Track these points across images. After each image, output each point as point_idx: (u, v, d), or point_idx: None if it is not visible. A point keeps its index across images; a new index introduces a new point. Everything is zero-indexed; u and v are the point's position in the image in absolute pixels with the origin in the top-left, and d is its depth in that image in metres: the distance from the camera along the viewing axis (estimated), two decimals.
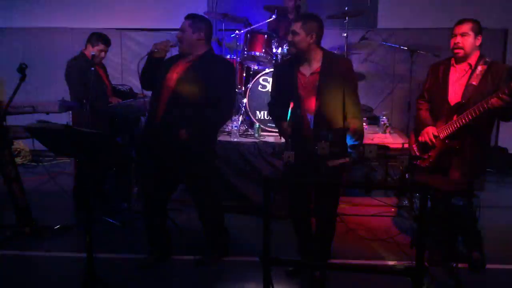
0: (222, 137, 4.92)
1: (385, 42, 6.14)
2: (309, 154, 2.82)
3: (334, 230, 3.41)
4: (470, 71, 3.37)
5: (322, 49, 3.23)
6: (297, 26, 3.13)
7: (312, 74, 3.18)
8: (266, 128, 5.07)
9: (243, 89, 5.47)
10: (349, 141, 3.17)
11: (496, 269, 3.55)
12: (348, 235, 4.13)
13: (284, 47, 5.22)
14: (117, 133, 4.65)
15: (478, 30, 3.36)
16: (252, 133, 5.04)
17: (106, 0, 6.94)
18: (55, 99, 4.06)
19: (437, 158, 3.47)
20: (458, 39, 3.36)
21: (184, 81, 3.29)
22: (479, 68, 3.34)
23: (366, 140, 4.81)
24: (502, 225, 4.36)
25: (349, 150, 3.14)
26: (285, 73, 3.30)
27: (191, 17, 3.37)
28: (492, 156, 5.96)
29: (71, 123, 4.48)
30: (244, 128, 5.18)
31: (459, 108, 3.32)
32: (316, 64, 3.18)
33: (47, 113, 3.92)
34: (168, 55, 3.45)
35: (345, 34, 5.84)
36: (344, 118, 3.17)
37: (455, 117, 3.33)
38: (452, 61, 3.47)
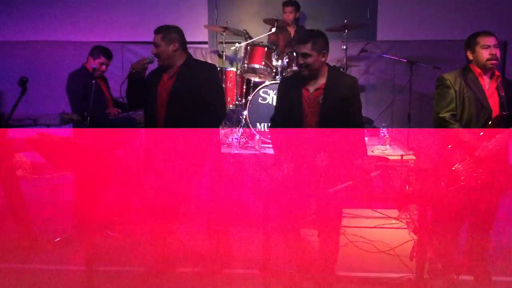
0: (222, 149, 4.91)
1: (385, 54, 6.17)
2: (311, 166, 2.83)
3: (337, 244, 3.39)
4: (496, 82, 3.39)
5: (327, 64, 3.24)
6: (307, 48, 3.07)
7: (316, 89, 3.18)
8: (266, 140, 5.08)
9: (243, 101, 5.49)
10: None
11: (503, 281, 3.53)
12: (348, 247, 4.11)
13: (284, 59, 5.25)
14: (117, 146, 4.65)
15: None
16: (253, 145, 5.05)
17: (107, 14, 7.00)
18: (55, 112, 4.08)
19: (489, 173, 3.33)
20: (494, 50, 3.34)
21: (175, 95, 3.31)
22: (499, 80, 3.39)
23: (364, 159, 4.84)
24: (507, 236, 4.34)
25: None
26: (290, 88, 3.29)
27: (161, 30, 3.36)
28: None
29: (71, 136, 4.48)
30: (244, 140, 5.19)
31: (501, 120, 3.29)
32: (322, 80, 3.18)
33: (48, 126, 3.93)
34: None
35: (344, 47, 5.87)
36: None
37: (497, 130, 3.28)
38: (478, 72, 3.41)
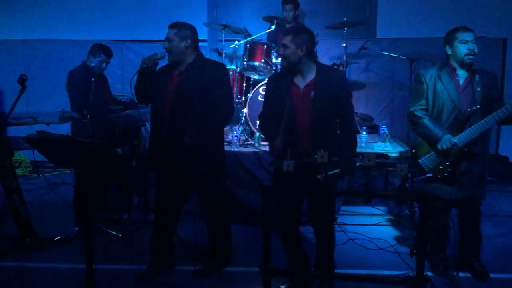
0: None
1: (385, 51, 6.16)
2: (304, 164, 2.82)
3: (334, 237, 3.44)
4: (471, 77, 3.42)
5: (315, 62, 3.25)
6: (287, 40, 3.12)
7: (306, 86, 3.18)
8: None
9: (243, 99, 5.49)
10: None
11: (501, 278, 3.54)
12: (348, 245, 4.11)
13: None
14: (118, 143, 4.66)
15: None
16: (253, 142, 5.05)
17: (107, 12, 6.99)
18: (55, 110, 4.08)
19: (455, 167, 3.43)
20: (472, 45, 3.37)
21: (182, 91, 3.32)
22: (476, 75, 3.41)
23: (366, 149, 4.84)
24: (502, 234, 4.35)
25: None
26: (278, 85, 3.27)
27: (175, 26, 3.37)
28: (492, 164, 5.96)
29: (71, 134, 4.49)
30: (245, 137, 5.19)
31: (471, 115, 3.35)
32: (311, 76, 3.19)
33: (48, 124, 3.93)
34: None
35: (344, 44, 5.86)
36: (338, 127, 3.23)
37: (467, 125, 3.36)
38: (452, 67, 3.47)
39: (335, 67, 5.85)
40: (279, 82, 3.28)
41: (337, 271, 3.55)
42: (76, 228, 4.34)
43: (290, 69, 3.21)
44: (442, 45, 6.55)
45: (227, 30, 5.74)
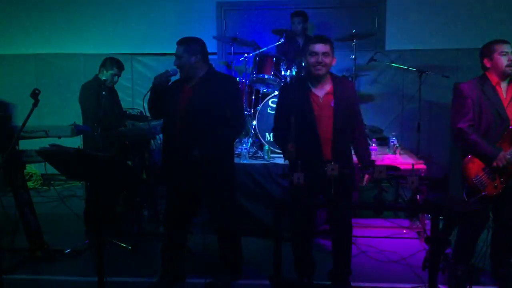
0: None
1: (394, 63, 6.16)
2: (322, 175, 2.83)
3: (350, 247, 3.49)
4: None
5: (329, 72, 3.35)
6: (327, 48, 3.23)
7: (326, 94, 3.28)
8: (276, 150, 5.07)
9: (252, 111, 5.50)
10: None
11: None
12: (359, 257, 4.09)
13: (293, 69, 5.27)
14: (128, 156, 4.69)
15: None
16: (262, 155, 5.04)
17: (117, 26, 7.06)
18: (67, 123, 4.11)
19: (508, 183, 3.35)
20: (511, 57, 3.33)
21: (193, 106, 3.33)
22: None
23: (376, 161, 4.82)
24: None
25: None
26: (295, 95, 3.32)
27: (184, 42, 3.39)
28: None
29: (82, 147, 4.52)
30: (254, 150, 5.19)
31: None
32: (328, 86, 3.30)
33: (59, 137, 3.96)
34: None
35: (353, 56, 5.88)
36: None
37: None
38: (496, 80, 3.40)
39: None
40: (295, 92, 3.34)
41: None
42: (87, 241, 4.36)
43: (309, 78, 3.32)
44: (451, 57, 6.58)
45: (237, 43, 5.78)
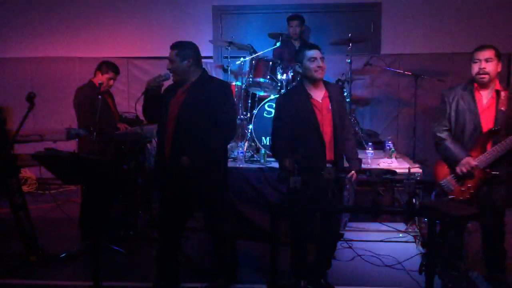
0: (228, 163, 4.92)
1: (389, 67, 6.18)
2: (319, 179, 2.86)
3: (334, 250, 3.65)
4: (496, 97, 3.37)
5: None
6: (321, 54, 3.40)
7: (323, 98, 3.41)
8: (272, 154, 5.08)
9: (249, 115, 5.50)
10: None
11: None
12: (355, 261, 4.09)
13: (289, 73, 5.27)
14: (123, 160, 4.67)
15: (499, 56, 3.39)
16: (258, 159, 5.04)
17: (112, 30, 7.07)
18: (62, 127, 4.10)
19: (477, 189, 3.38)
20: (484, 64, 3.34)
21: (185, 110, 3.32)
22: (502, 93, 3.35)
23: (372, 165, 4.83)
24: None
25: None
26: (296, 102, 3.39)
27: (176, 46, 3.39)
28: None
29: (77, 151, 4.50)
30: (250, 154, 5.19)
31: (493, 135, 3.31)
32: (322, 90, 3.44)
33: (54, 141, 3.95)
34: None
35: (348, 60, 5.90)
36: None
37: (489, 145, 3.31)
38: (475, 86, 3.43)
39: (340, 83, 5.88)
40: (296, 100, 3.41)
41: (344, 287, 3.54)
42: (82, 245, 4.33)
43: (307, 84, 3.43)
44: (447, 61, 6.61)
45: (233, 47, 5.78)
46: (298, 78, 5.24)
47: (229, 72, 5.82)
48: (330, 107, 3.38)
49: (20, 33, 7.15)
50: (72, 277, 3.85)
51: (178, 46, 3.38)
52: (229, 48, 5.75)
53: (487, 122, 3.35)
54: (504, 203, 3.42)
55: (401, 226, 4.83)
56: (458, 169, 3.38)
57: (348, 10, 6.91)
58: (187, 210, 3.57)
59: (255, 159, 5.10)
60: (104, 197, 4.44)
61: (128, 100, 6.84)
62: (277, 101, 3.61)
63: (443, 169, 3.52)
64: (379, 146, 5.57)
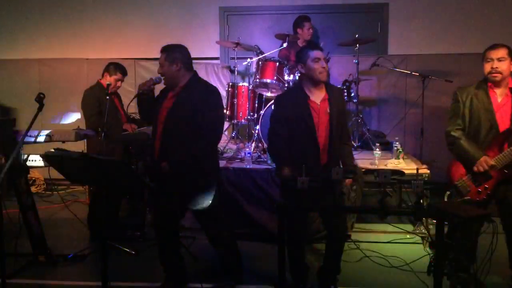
0: (235, 164, 4.94)
1: (396, 68, 6.17)
2: (318, 179, 2.85)
3: (342, 249, 3.54)
4: (510, 94, 3.34)
5: None
6: (324, 54, 3.38)
7: (322, 101, 3.34)
8: None
9: (255, 116, 5.50)
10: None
11: None
12: (363, 262, 4.08)
13: (296, 74, 5.27)
14: (131, 161, 4.68)
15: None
16: (265, 159, 5.04)
17: (119, 31, 7.09)
18: (70, 128, 4.12)
19: (494, 190, 3.33)
20: (496, 63, 3.31)
21: (172, 114, 3.33)
22: None
23: (379, 166, 4.82)
24: None
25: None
26: (294, 102, 3.35)
27: (165, 50, 3.38)
28: None
29: (87, 151, 4.53)
30: (257, 154, 5.19)
31: (510, 134, 3.26)
32: (322, 92, 3.38)
33: (63, 142, 3.97)
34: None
35: (356, 61, 5.89)
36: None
37: (506, 145, 3.26)
38: (489, 85, 3.39)
39: (347, 84, 5.87)
40: (294, 100, 3.36)
41: None
42: (90, 246, 4.35)
43: (307, 85, 3.36)
44: (454, 62, 6.58)
45: (239, 48, 5.79)
46: (297, 77, 5.26)
47: (236, 73, 5.83)
48: (328, 110, 3.31)
49: (28, 34, 7.19)
50: (80, 277, 3.88)
51: (166, 50, 3.38)
52: (236, 49, 5.76)
53: (503, 120, 3.31)
54: None
55: (409, 227, 4.82)
56: (475, 168, 3.31)
57: (355, 11, 6.90)
58: (176, 210, 3.52)
59: (262, 159, 5.10)
60: (112, 198, 4.46)
61: (135, 100, 6.85)
62: (275, 99, 3.61)
63: (459, 169, 3.44)
64: (386, 147, 5.56)
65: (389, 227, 4.79)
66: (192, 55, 3.45)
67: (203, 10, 7.00)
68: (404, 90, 6.58)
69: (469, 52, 6.31)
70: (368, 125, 6.36)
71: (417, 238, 4.61)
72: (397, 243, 4.52)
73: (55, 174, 3.13)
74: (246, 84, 5.65)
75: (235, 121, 5.56)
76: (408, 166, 4.85)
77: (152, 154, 3.43)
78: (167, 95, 3.43)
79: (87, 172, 2.84)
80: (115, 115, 4.62)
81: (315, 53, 3.30)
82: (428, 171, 4.60)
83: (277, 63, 5.35)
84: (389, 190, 5.01)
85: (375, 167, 4.87)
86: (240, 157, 5.14)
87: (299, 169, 2.84)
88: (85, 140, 4.61)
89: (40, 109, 3.16)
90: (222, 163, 4.95)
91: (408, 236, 4.67)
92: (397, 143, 5.20)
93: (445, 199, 3.47)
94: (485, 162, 3.27)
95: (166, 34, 6.93)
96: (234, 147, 5.72)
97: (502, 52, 3.32)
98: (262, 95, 5.65)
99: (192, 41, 6.76)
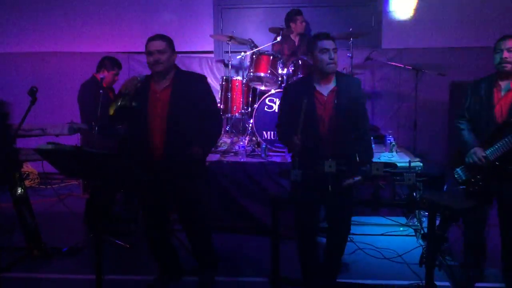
0: (229, 158, 4.95)
1: (390, 61, 6.18)
2: (319, 172, 2.83)
3: (345, 243, 3.46)
4: None
5: None
6: (335, 44, 3.23)
7: (330, 92, 3.23)
8: (273, 148, 5.09)
9: (249, 110, 5.51)
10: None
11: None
12: (356, 254, 4.11)
13: (289, 68, 5.28)
14: (125, 154, 4.68)
15: None
16: (259, 153, 5.06)
17: (113, 25, 7.05)
18: (63, 122, 4.11)
19: (486, 181, 3.35)
20: (506, 54, 3.30)
21: (174, 108, 3.26)
22: None
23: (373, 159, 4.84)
24: None
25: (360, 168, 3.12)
26: (300, 93, 3.24)
27: (165, 38, 3.34)
28: None
29: (80, 145, 4.52)
30: (251, 148, 5.21)
31: (507, 127, 3.26)
32: (331, 84, 3.25)
33: (57, 136, 3.96)
34: None
35: (349, 55, 5.90)
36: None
37: (501, 137, 3.26)
38: (497, 78, 3.40)
39: None
40: (300, 90, 3.28)
41: (345, 280, 3.55)
42: (84, 239, 4.36)
43: (315, 76, 3.27)
44: (448, 55, 6.59)
45: (233, 42, 5.79)
46: (291, 70, 5.21)
47: (229, 67, 5.83)
48: (334, 102, 3.19)
49: (22, 27, 7.14)
50: (75, 271, 3.88)
51: (166, 38, 3.34)
52: (229, 42, 5.75)
53: (501, 114, 3.33)
54: None
55: (402, 219, 4.85)
56: (466, 159, 3.37)
57: (348, 4, 6.89)
58: (166, 203, 3.51)
59: (256, 153, 5.11)
60: (106, 191, 4.46)
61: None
62: (283, 89, 3.58)
63: (459, 158, 3.49)
64: (380, 140, 5.58)
65: (382, 220, 4.81)
66: (186, 49, 3.46)
67: (197, 3, 6.96)
68: (397, 84, 6.60)
69: (462, 46, 6.33)
70: None
71: (410, 231, 4.65)
72: (390, 235, 4.56)
73: (49, 167, 3.12)
74: (240, 78, 5.66)
75: (229, 115, 5.56)
76: (401, 159, 4.88)
77: (149, 153, 3.31)
78: (153, 89, 3.31)
79: (80, 166, 2.83)
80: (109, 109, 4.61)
81: (323, 43, 3.17)
82: (421, 164, 4.63)
83: (271, 57, 5.35)
84: (382, 183, 5.03)
85: None
86: (234, 150, 5.15)
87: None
88: (79, 134, 4.60)
89: (33, 102, 3.16)
90: (216, 157, 4.97)
91: (401, 228, 4.71)
92: (391, 136, 5.23)
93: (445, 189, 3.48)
94: (474, 152, 3.33)
95: (160, 27, 6.88)
96: (228, 140, 5.72)
97: None
98: (256, 88, 5.66)
99: (186, 34, 6.74)
